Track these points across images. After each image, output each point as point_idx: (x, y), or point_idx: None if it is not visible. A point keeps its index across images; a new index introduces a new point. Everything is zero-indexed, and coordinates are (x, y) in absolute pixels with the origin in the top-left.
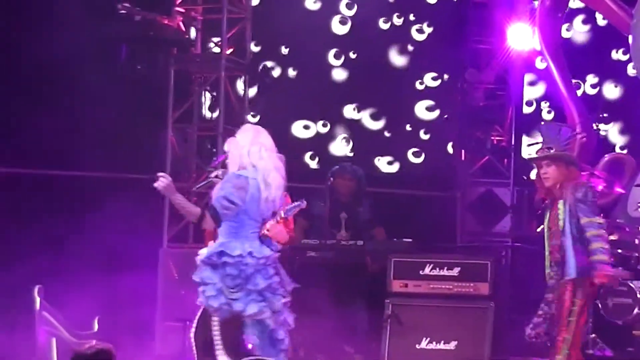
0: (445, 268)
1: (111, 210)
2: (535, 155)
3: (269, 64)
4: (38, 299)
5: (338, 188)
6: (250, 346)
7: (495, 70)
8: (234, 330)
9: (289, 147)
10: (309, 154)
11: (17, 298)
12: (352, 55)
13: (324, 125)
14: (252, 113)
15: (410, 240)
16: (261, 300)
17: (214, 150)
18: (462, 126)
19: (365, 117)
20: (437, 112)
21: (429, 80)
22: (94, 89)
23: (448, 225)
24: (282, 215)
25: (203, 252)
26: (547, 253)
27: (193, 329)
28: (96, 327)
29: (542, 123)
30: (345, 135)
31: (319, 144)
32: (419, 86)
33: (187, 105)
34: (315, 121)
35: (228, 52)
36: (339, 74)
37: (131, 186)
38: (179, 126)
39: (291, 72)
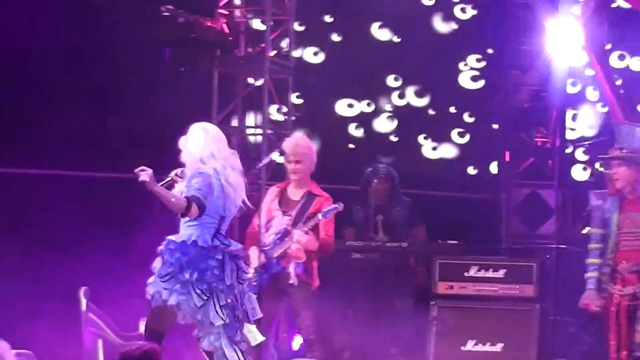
0: (491, 270)
1: (155, 212)
2: (607, 156)
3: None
4: (84, 301)
5: (373, 190)
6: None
7: (540, 72)
8: (163, 318)
9: (333, 125)
10: (353, 127)
11: (64, 300)
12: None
13: (368, 104)
14: (295, 114)
15: (455, 242)
16: (185, 292)
17: (259, 151)
18: (506, 128)
19: (409, 95)
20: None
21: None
22: (137, 92)
23: (493, 227)
24: (320, 216)
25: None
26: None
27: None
28: (142, 328)
29: (614, 122)
30: (390, 112)
31: (364, 121)
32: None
33: (231, 108)
34: (359, 100)
35: (271, 54)
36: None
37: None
38: (222, 129)
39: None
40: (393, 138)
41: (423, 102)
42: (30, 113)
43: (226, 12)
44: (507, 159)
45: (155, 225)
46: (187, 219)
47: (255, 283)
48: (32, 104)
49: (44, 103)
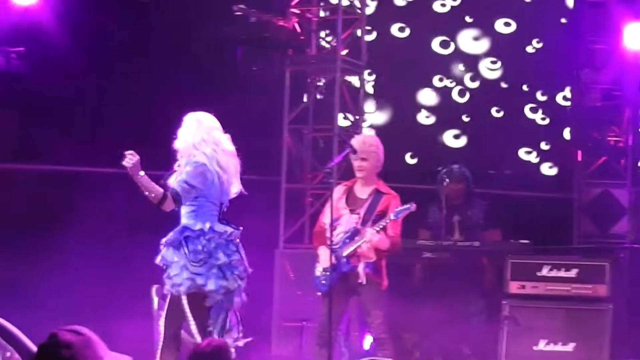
0: (563, 269)
1: (228, 211)
2: None
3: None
4: (156, 299)
5: (448, 192)
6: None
7: (613, 71)
8: (202, 305)
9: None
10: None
11: (136, 297)
12: None
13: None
14: (366, 113)
15: (527, 241)
16: (222, 276)
17: (330, 150)
18: (578, 127)
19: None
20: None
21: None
22: (208, 90)
23: (565, 226)
24: (392, 217)
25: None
26: None
27: (162, 319)
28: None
29: None
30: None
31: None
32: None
33: (302, 107)
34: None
35: (343, 52)
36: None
37: (247, 187)
38: (295, 127)
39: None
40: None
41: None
42: (106, 112)
43: (298, 11)
44: (580, 158)
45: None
46: (189, 207)
47: (324, 282)
48: (108, 103)
49: (118, 103)
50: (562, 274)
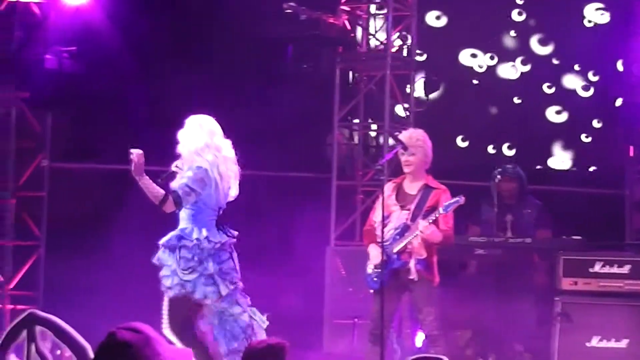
0: (616, 265)
1: (278, 208)
2: None
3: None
4: None
5: (501, 190)
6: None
7: None
8: (183, 310)
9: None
10: None
11: None
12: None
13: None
14: (418, 109)
15: (579, 237)
16: (211, 283)
17: (380, 147)
18: (630, 123)
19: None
20: None
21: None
22: (259, 89)
23: (617, 222)
24: (441, 210)
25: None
26: None
27: (166, 325)
28: (266, 323)
29: None
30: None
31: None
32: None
33: (353, 104)
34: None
35: (393, 49)
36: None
37: (298, 185)
38: (345, 124)
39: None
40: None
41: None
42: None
43: (348, 8)
44: (631, 154)
45: (278, 223)
46: (189, 211)
47: (376, 279)
48: (157, 101)
49: (177, 102)
50: (615, 270)
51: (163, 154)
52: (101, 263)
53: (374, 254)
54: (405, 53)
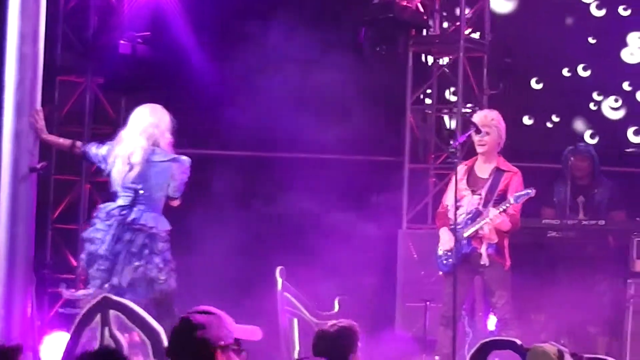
0: None
1: (350, 192)
2: None
3: None
4: (280, 280)
5: (573, 170)
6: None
7: None
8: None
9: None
10: None
11: (261, 280)
12: None
13: None
14: (491, 92)
15: None
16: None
17: (453, 131)
18: None
19: None
20: None
21: None
22: (332, 72)
23: None
24: (512, 201)
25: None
26: None
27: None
28: (337, 307)
29: None
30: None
31: None
32: None
33: (426, 86)
34: None
35: (467, 32)
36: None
37: (371, 168)
38: (418, 107)
39: None
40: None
41: None
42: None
43: None
44: None
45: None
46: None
47: (445, 262)
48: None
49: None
50: None
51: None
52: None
53: (445, 239)
54: (478, 36)
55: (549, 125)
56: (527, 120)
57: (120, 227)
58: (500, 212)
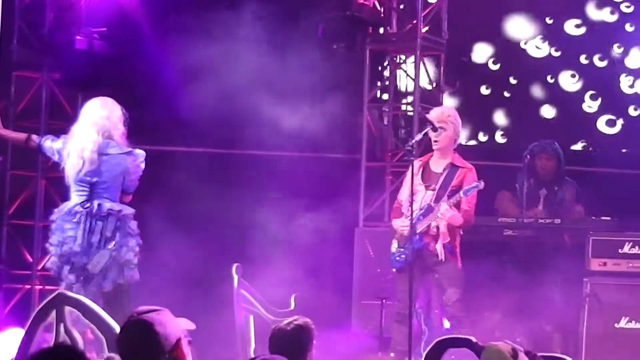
0: None
1: (306, 189)
2: None
3: None
4: (236, 277)
5: (537, 168)
6: None
7: None
8: None
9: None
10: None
11: (216, 277)
12: None
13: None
14: (447, 91)
15: (608, 218)
16: None
17: (410, 129)
18: None
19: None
20: None
21: None
22: (289, 70)
23: None
24: (461, 194)
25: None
26: None
27: None
28: (293, 304)
29: None
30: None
31: None
32: None
33: (383, 84)
34: None
35: (423, 30)
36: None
37: (327, 165)
38: (375, 105)
39: None
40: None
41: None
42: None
43: None
44: None
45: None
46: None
47: (398, 259)
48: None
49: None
50: None
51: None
52: None
53: (398, 224)
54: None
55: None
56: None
57: (89, 220)
58: (450, 207)
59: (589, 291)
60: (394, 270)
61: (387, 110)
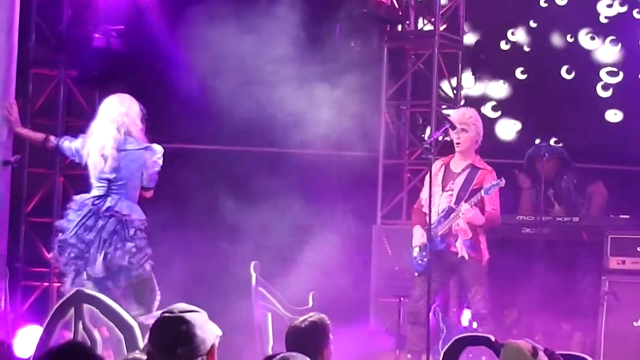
0: None
1: (324, 187)
2: None
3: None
4: (254, 275)
5: (538, 171)
6: None
7: None
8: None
9: None
10: None
11: (235, 275)
12: None
13: None
14: (464, 88)
15: (627, 216)
16: None
17: (428, 126)
18: None
19: None
20: None
21: None
22: (306, 68)
23: None
24: (482, 193)
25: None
26: None
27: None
28: (311, 302)
29: None
30: None
31: None
32: None
33: (401, 82)
34: None
35: (441, 28)
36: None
37: (345, 163)
38: (393, 103)
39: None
40: None
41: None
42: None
43: None
44: None
45: (324, 200)
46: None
47: (420, 262)
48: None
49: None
50: None
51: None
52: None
53: (417, 235)
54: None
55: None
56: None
57: (92, 216)
58: (471, 206)
59: (608, 289)
60: (416, 274)
61: (405, 108)
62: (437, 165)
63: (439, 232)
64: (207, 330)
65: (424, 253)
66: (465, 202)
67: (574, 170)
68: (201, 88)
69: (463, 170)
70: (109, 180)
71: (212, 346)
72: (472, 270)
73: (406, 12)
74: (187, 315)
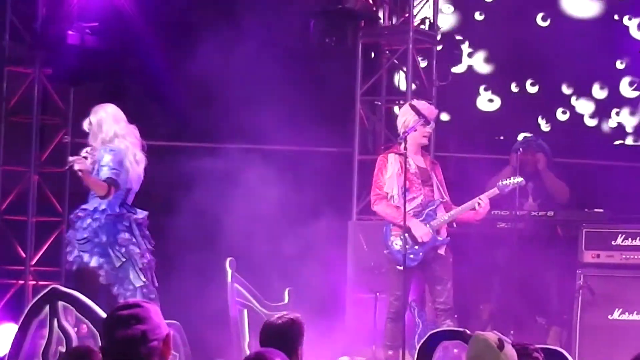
0: (638, 238)
1: (299, 183)
2: None
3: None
4: (230, 271)
5: (523, 164)
6: None
7: None
8: (84, 281)
9: None
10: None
11: (210, 271)
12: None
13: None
14: (439, 84)
15: (601, 210)
16: (104, 254)
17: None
18: None
19: None
20: None
21: None
22: (280, 63)
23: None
24: (497, 191)
25: None
26: None
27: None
28: (287, 298)
29: None
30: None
31: None
32: None
33: (375, 78)
34: None
35: (416, 23)
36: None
37: (320, 159)
38: (367, 99)
39: None
40: None
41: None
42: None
43: None
44: None
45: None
46: None
47: (412, 257)
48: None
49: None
50: (638, 242)
51: (196, 129)
52: None
53: (421, 228)
54: (427, 27)
55: None
56: None
57: (110, 221)
58: (479, 204)
59: (582, 283)
60: (399, 267)
61: (379, 103)
62: (395, 158)
63: (435, 227)
64: (159, 316)
65: (416, 247)
66: (445, 193)
67: (554, 169)
68: (175, 84)
69: (432, 163)
70: (127, 190)
71: (167, 335)
72: (447, 265)
73: (381, 7)
74: (130, 311)
